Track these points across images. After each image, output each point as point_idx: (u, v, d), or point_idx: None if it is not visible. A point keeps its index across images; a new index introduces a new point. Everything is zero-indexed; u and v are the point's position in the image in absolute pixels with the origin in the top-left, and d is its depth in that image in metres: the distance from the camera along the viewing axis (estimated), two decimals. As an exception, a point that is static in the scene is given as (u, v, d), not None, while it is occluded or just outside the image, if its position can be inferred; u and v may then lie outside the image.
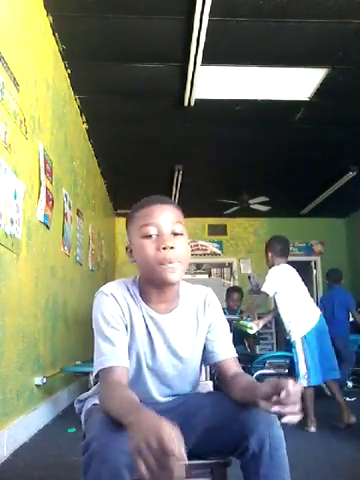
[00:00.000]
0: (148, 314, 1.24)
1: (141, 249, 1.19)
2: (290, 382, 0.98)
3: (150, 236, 1.18)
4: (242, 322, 3.70)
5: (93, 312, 1.23)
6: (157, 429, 0.85)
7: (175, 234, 1.19)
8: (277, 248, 3.76)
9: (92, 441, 0.99)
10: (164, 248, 1.16)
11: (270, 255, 3.73)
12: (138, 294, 1.25)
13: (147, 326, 1.24)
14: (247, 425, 1.12)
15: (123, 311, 1.21)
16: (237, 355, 1.33)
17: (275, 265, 3.66)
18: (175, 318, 1.27)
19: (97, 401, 1.20)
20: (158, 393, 1.28)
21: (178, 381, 1.29)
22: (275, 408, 0.99)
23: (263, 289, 3.61)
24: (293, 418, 0.99)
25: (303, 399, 3.51)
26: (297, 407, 0.99)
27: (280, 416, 1.01)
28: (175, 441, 0.83)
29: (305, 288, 3.64)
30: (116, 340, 1.18)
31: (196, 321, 1.30)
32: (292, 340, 3.43)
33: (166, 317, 1.25)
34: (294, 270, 3.68)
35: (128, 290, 1.25)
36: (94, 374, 1.17)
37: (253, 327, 3.62)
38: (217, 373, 1.33)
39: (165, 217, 1.19)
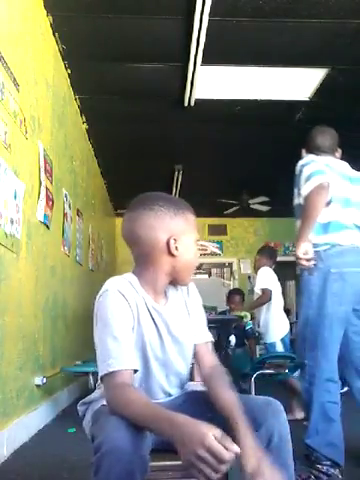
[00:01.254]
0: (152, 306, 1.25)
1: (195, 254, 1.29)
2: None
3: (197, 243, 1.31)
4: (236, 312, 4.03)
5: (99, 310, 1.19)
6: (203, 438, 0.89)
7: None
8: (268, 255, 4.26)
9: (104, 441, 0.98)
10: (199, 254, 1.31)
11: (259, 259, 4.25)
12: (139, 287, 1.25)
13: (153, 318, 1.25)
14: (256, 418, 1.14)
15: (131, 307, 1.20)
16: (212, 342, 1.39)
17: (264, 267, 4.13)
18: (172, 307, 1.31)
19: (105, 402, 1.18)
20: (168, 385, 1.29)
21: (182, 367, 1.31)
22: None
23: (260, 286, 4.00)
24: None
25: (293, 390, 3.67)
26: None
27: None
28: (223, 445, 0.88)
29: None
30: (125, 340, 1.15)
31: (185, 307, 1.35)
32: (271, 341, 3.86)
33: (166, 307, 1.29)
34: (275, 276, 4.16)
35: (131, 285, 1.25)
36: (100, 375, 1.13)
37: (247, 314, 4.04)
38: (195, 361, 1.37)
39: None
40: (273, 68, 4.17)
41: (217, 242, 9.40)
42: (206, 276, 10.75)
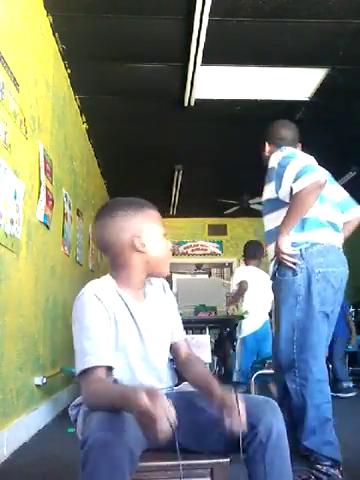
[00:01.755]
0: (131, 304, 1.30)
1: (162, 246, 1.36)
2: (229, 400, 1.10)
3: (165, 235, 1.38)
4: (238, 312, 4.14)
5: (76, 313, 1.27)
6: (137, 401, 0.95)
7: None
8: (251, 255, 4.47)
9: (89, 436, 1.01)
10: (171, 248, 1.39)
11: (244, 257, 4.51)
12: (118, 288, 1.31)
13: (132, 315, 1.29)
14: (254, 414, 1.16)
15: (107, 308, 1.25)
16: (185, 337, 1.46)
17: (245, 266, 4.43)
18: (150, 304, 1.35)
19: None
20: (149, 380, 1.31)
21: (161, 361, 1.35)
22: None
23: (235, 283, 4.32)
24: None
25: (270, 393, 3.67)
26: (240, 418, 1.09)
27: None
28: (153, 398, 0.95)
29: (262, 294, 4.16)
30: (100, 340, 1.20)
31: (163, 304, 1.40)
32: (242, 336, 4.12)
33: (144, 304, 1.34)
34: (259, 274, 4.32)
35: (110, 286, 1.31)
36: (77, 373, 1.18)
37: (248, 310, 4.11)
38: (171, 354, 1.43)
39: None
40: (273, 68, 4.17)
41: (217, 242, 9.39)
42: (206, 276, 10.74)
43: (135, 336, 1.29)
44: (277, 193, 2.23)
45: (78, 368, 1.18)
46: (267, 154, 2.45)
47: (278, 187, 2.21)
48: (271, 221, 2.34)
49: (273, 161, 2.30)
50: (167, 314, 1.40)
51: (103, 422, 1.03)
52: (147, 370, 1.31)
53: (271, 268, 2.30)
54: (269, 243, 2.41)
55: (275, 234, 2.24)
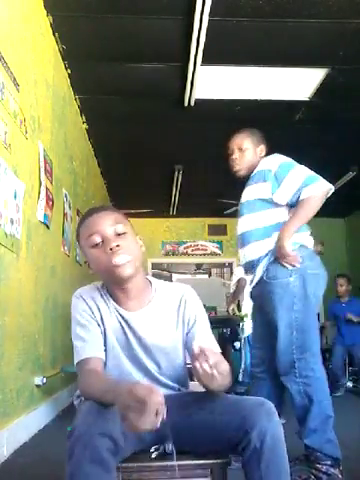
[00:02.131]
0: (119, 312, 1.31)
1: (93, 258, 1.30)
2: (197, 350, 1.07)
3: (97, 244, 1.28)
4: (237, 315, 4.13)
5: (71, 313, 1.35)
6: (129, 389, 0.95)
7: (118, 234, 1.29)
8: None
9: (75, 428, 1.03)
10: (111, 249, 1.25)
11: None
12: (107, 294, 1.34)
13: (120, 324, 1.31)
14: (248, 420, 1.14)
15: (92, 310, 1.31)
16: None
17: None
18: (147, 315, 1.32)
19: None
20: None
21: (153, 370, 1.33)
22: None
23: (233, 282, 4.36)
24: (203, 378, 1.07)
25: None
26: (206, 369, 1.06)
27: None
28: (149, 390, 0.94)
29: None
30: (87, 336, 1.28)
31: (173, 317, 1.35)
32: (241, 336, 4.13)
33: (137, 314, 1.32)
34: None
35: (99, 292, 1.34)
36: (75, 366, 1.26)
37: (247, 314, 4.08)
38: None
39: (104, 222, 1.29)
40: (273, 68, 4.17)
41: (217, 242, 9.39)
42: (206, 276, 10.75)
43: (122, 339, 1.31)
44: (272, 195, 2.23)
45: (75, 361, 1.28)
46: (257, 157, 2.42)
47: (275, 189, 2.22)
48: (252, 222, 2.35)
49: (269, 164, 2.32)
50: (174, 325, 1.35)
51: (90, 414, 1.05)
52: (141, 375, 1.31)
53: (259, 271, 2.25)
54: (246, 244, 2.38)
55: (257, 236, 2.27)
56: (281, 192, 2.20)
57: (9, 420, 2.63)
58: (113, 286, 1.33)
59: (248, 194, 2.37)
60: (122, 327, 1.31)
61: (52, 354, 3.73)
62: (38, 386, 3.22)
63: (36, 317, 3.28)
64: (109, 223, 1.29)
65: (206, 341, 1.32)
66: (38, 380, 3.19)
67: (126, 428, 0.96)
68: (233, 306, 4.56)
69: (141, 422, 0.92)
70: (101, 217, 1.30)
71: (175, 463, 1.08)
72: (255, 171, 2.36)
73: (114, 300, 1.33)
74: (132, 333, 1.31)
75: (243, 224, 2.39)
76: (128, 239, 1.30)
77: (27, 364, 3.03)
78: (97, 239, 1.28)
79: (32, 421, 3.04)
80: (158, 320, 1.33)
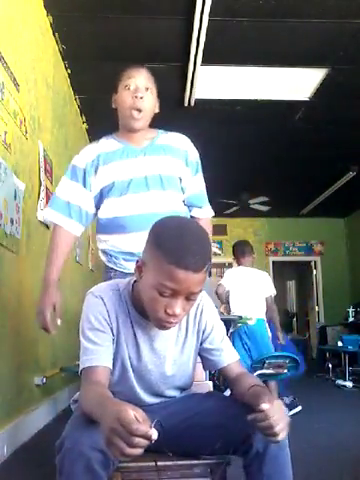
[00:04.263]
0: (136, 320, 1.22)
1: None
2: (263, 406, 0.98)
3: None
4: (242, 319, 4.03)
5: (83, 310, 1.21)
6: (118, 412, 0.85)
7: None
8: (237, 251, 4.48)
9: (64, 440, 1.00)
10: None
11: (234, 258, 4.52)
12: (128, 299, 1.23)
13: (134, 332, 1.23)
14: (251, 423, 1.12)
15: (109, 314, 1.20)
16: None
17: (237, 266, 4.41)
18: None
19: None
20: (146, 396, 1.28)
21: (164, 387, 1.28)
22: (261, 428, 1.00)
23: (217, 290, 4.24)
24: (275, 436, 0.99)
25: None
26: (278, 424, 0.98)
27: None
28: (135, 419, 0.84)
29: (249, 292, 4.09)
30: (99, 341, 1.17)
31: (187, 327, 1.28)
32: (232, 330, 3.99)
33: (151, 324, 1.22)
34: (246, 273, 4.23)
35: (119, 294, 1.23)
36: (79, 370, 1.17)
37: (252, 318, 3.97)
38: (222, 376, 1.34)
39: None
40: (273, 68, 4.17)
41: (217, 242, 9.39)
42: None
43: (132, 353, 1.24)
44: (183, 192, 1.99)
45: (81, 365, 1.17)
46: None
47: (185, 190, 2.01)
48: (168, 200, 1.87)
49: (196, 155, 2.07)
50: (190, 334, 1.29)
51: (78, 425, 1.02)
52: (140, 386, 1.26)
53: None
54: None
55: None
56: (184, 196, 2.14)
57: (9, 420, 2.63)
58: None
59: (169, 168, 1.94)
60: (135, 336, 1.23)
61: (52, 354, 3.73)
62: (38, 386, 3.22)
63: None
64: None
65: (226, 352, 1.30)
66: (38, 380, 3.19)
67: (110, 454, 0.91)
68: (224, 305, 4.48)
69: (126, 451, 0.83)
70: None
71: (173, 463, 1.06)
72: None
73: (134, 304, 1.23)
74: (146, 342, 1.24)
75: (160, 200, 1.87)
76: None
77: (27, 364, 3.03)
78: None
79: (32, 421, 3.04)
80: (173, 331, 1.26)
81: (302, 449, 2.13)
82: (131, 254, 1.77)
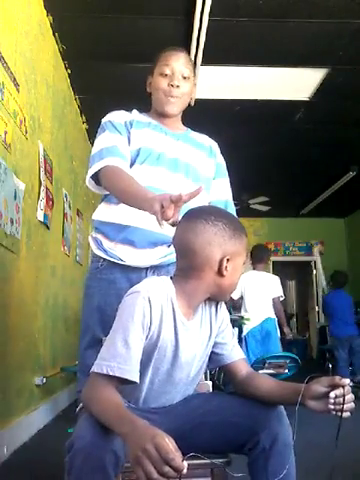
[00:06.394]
0: (180, 320, 1.19)
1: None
2: (344, 380, 1.07)
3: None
4: (244, 319, 4.20)
5: (123, 308, 1.13)
6: (153, 436, 0.84)
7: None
8: (255, 257, 4.50)
9: (76, 440, 0.99)
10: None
11: (251, 262, 4.54)
12: (175, 297, 1.19)
13: (177, 331, 1.18)
14: (259, 421, 1.13)
15: (152, 318, 1.13)
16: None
17: (252, 270, 4.48)
18: (196, 323, 1.24)
19: None
20: (155, 402, 1.24)
21: (182, 389, 1.26)
22: (332, 406, 1.07)
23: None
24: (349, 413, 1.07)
25: None
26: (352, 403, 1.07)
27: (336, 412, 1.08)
28: (173, 449, 0.83)
29: (261, 296, 4.26)
30: (135, 349, 1.09)
31: (210, 326, 1.28)
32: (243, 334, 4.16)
33: (191, 323, 1.22)
34: (259, 276, 4.37)
35: (166, 292, 1.18)
36: (93, 369, 1.07)
37: (250, 318, 4.14)
38: (225, 374, 1.33)
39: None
40: (273, 68, 4.17)
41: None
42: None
43: (168, 352, 1.18)
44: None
45: (99, 366, 1.07)
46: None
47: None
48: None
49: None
50: (209, 335, 1.28)
51: (90, 426, 1.00)
52: (160, 392, 1.22)
53: None
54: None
55: None
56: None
57: (9, 420, 2.63)
58: (201, 294, 1.21)
59: (205, 168, 1.87)
60: (177, 337, 1.19)
61: (52, 354, 3.73)
62: (38, 386, 3.22)
63: (36, 317, 3.28)
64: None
65: (235, 349, 1.31)
66: (38, 380, 3.19)
67: (136, 471, 0.85)
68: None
69: (154, 477, 0.81)
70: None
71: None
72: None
73: (177, 301, 1.19)
74: (187, 342, 1.21)
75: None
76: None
77: (27, 364, 3.03)
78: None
79: (32, 421, 3.04)
80: (201, 331, 1.25)
81: (301, 446, 2.13)
82: (129, 229, 1.59)
